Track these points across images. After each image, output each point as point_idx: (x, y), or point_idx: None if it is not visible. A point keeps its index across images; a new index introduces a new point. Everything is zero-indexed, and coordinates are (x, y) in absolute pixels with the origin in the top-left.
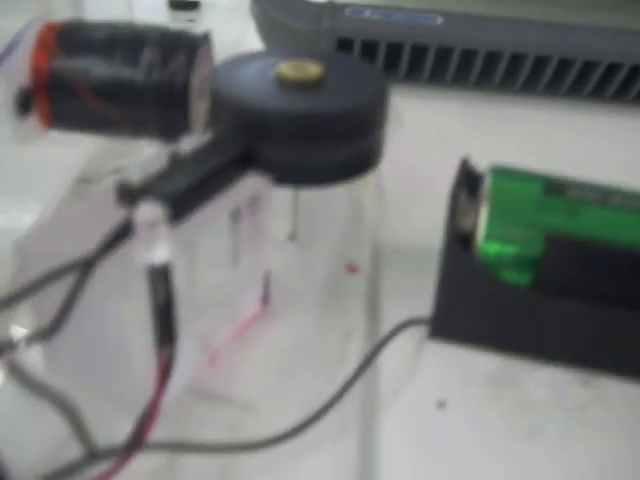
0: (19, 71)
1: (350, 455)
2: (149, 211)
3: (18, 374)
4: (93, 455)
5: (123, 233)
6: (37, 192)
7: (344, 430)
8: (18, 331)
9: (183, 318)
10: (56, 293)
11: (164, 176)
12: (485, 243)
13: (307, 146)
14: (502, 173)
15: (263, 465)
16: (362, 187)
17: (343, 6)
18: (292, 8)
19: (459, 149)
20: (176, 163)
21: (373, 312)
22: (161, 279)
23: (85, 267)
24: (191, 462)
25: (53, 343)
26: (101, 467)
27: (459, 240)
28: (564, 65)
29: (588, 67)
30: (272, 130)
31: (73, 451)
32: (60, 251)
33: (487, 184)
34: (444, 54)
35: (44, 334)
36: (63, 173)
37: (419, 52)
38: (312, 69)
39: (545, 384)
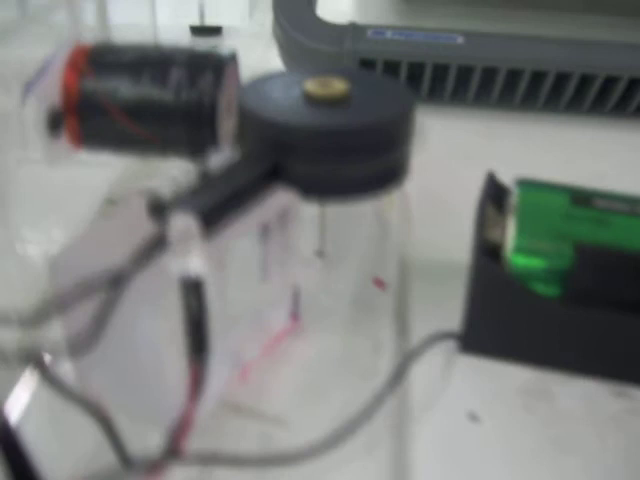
0: (50, 92)
1: (383, 468)
2: (184, 222)
3: (52, 382)
4: (128, 464)
5: (156, 246)
6: (66, 214)
7: (376, 443)
8: (50, 345)
9: (214, 333)
10: (87, 308)
11: (195, 191)
12: (514, 256)
13: (334, 161)
14: (529, 185)
15: (296, 478)
16: (387, 204)
17: (365, 27)
18: (314, 30)
19: (482, 166)
20: (206, 179)
21: (402, 327)
22: (195, 292)
23: (118, 281)
24: (224, 475)
25: (84, 358)
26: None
27: (487, 253)
28: (586, 81)
29: (610, 83)
30: (299, 145)
31: (105, 461)
32: (92, 267)
33: (514, 196)
34: (465, 73)
35: (79, 348)
36: (91, 195)
37: (440, 71)
38: (338, 85)
39: (578, 396)
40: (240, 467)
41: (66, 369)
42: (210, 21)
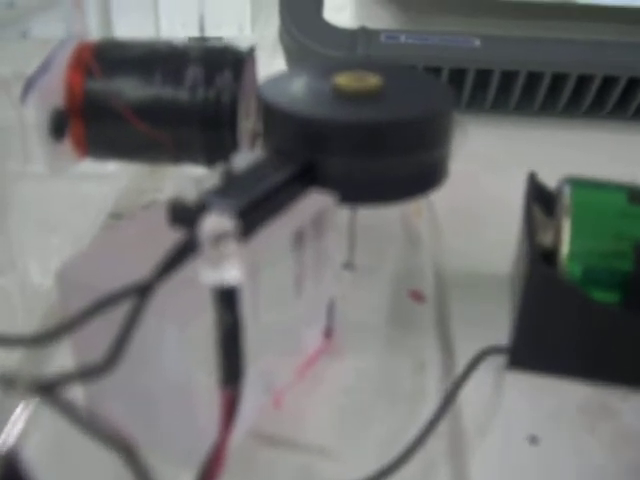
0: (53, 92)
1: None
2: (217, 223)
3: (66, 411)
4: None
5: (183, 254)
6: (68, 229)
7: (432, 473)
8: (62, 368)
9: (247, 354)
10: (102, 326)
11: (223, 191)
12: (570, 261)
13: (370, 158)
14: (580, 184)
15: None
16: (415, 213)
17: (377, 32)
18: (324, 35)
19: (506, 173)
20: (233, 179)
21: (445, 343)
22: (229, 303)
23: (142, 293)
24: None
25: (100, 383)
26: None
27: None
28: (607, 84)
29: (632, 85)
30: (333, 142)
31: None
32: (106, 279)
33: (565, 196)
34: (483, 77)
35: (97, 370)
36: (97, 209)
37: (457, 76)
38: (371, 79)
39: None
40: None
41: (79, 398)
42: (210, 32)
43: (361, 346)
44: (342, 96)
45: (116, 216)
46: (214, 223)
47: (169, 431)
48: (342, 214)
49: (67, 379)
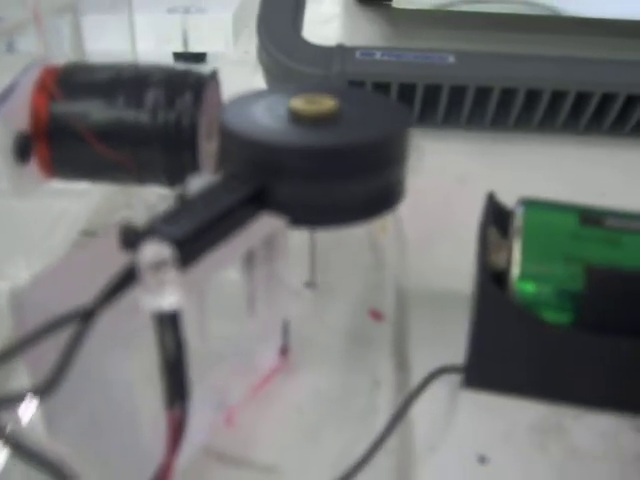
0: (17, 116)
1: None
2: (154, 251)
3: (10, 441)
4: None
5: (127, 280)
6: (40, 247)
7: None
8: (12, 390)
9: (195, 372)
10: (54, 348)
11: (171, 216)
12: (520, 282)
13: (324, 183)
14: (533, 205)
15: None
16: (381, 229)
17: (353, 49)
18: (301, 53)
19: (478, 190)
20: (184, 203)
21: (401, 361)
22: (170, 328)
23: (85, 317)
24: None
25: (51, 403)
26: None
27: (491, 280)
28: (582, 100)
29: (606, 101)
30: (286, 166)
31: None
32: (60, 302)
33: (518, 218)
34: (458, 94)
35: (40, 391)
36: (67, 227)
37: (432, 92)
38: (326, 103)
39: (595, 433)
40: None
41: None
42: (194, 48)
43: (317, 364)
44: (297, 120)
45: (88, 233)
46: (152, 251)
47: (117, 452)
48: (303, 233)
49: (6, 401)
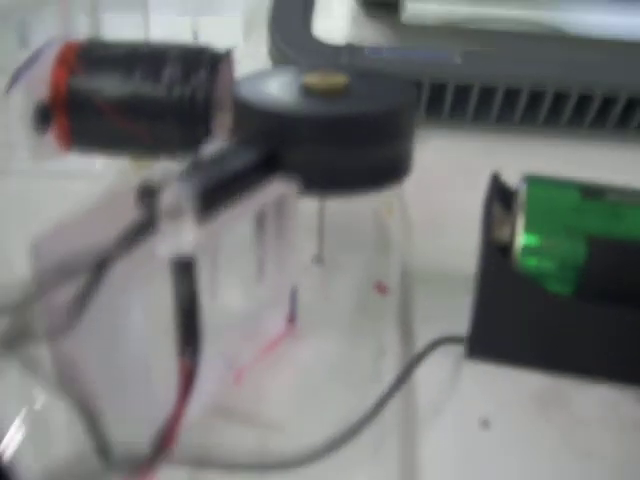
0: (38, 86)
1: (390, 474)
2: (175, 196)
3: (34, 370)
4: (111, 465)
5: (143, 230)
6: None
7: (382, 449)
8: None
9: (205, 328)
10: (69, 292)
11: (186, 175)
12: (523, 254)
13: (334, 150)
14: (536, 181)
15: None
16: (387, 211)
17: (361, 47)
18: (311, 50)
19: (483, 181)
20: (198, 164)
21: (406, 332)
22: (186, 273)
23: (101, 264)
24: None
25: (64, 349)
26: None
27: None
28: (584, 100)
29: (608, 101)
30: (298, 134)
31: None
32: (75, 251)
33: (521, 193)
34: (463, 92)
35: (58, 329)
36: (83, 206)
37: (438, 90)
38: (337, 78)
39: (596, 402)
40: (234, 471)
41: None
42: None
43: (324, 332)
44: (309, 94)
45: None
46: (172, 197)
47: (129, 400)
48: (311, 210)
49: (34, 337)
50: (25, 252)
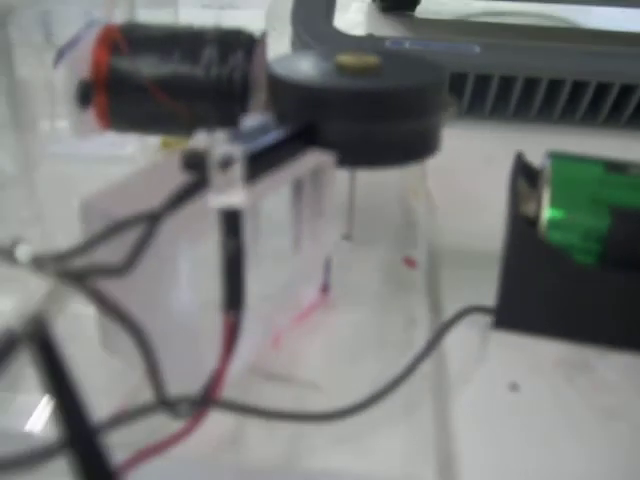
0: (80, 65)
1: (424, 430)
2: (226, 150)
3: (97, 299)
4: (164, 402)
5: (193, 189)
6: None
7: (416, 407)
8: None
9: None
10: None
11: (233, 139)
12: (549, 227)
13: (367, 124)
14: (561, 157)
15: (331, 438)
16: (413, 194)
17: (383, 38)
18: (333, 41)
19: (504, 167)
20: (240, 134)
21: (435, 303)
22: (233, 227)
23: (151, 220)
24: (257, 432)
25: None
26: (172, 425)
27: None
28: (603, 91)
29: (626, 92)
30: (333, 108)
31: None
32: (124, 209)
33: (547, 168)
34: (483, 83)
35: (115, 271)
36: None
37: (458, 81)
38: (370, 58)
39: (620, 368)
40: (274, 420)
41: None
42: None
43: (355, 303)
44: (344, 71)
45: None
46: (224, 150)
47: (177, 354)
48: (340, 190)
49: (95, 271)
50: (65, 229)
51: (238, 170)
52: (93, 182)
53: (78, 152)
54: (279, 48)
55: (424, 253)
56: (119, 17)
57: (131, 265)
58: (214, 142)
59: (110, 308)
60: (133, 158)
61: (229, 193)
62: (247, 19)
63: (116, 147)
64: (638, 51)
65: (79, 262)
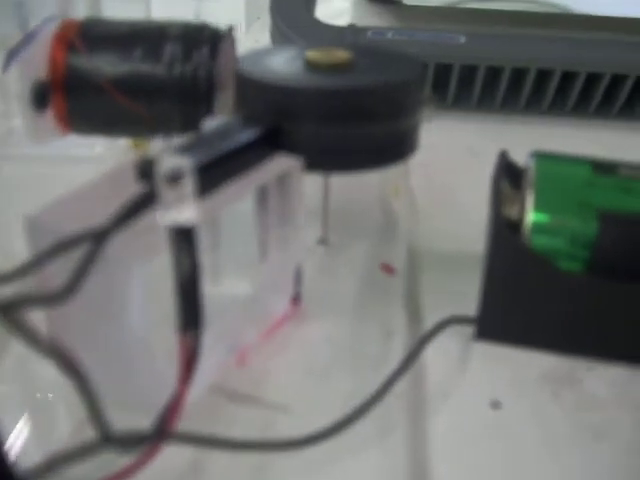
0: (35, 64)
1: (397, 455)
2: (174, 163)
3: (27, 334)
4: (107, 439)
5: (142, 204)
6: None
7: (390, 430)
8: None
9: (207, 314)
10: (65, 271)
11: (187, 147)
12: (533, 232)
13: (337, 124)
14: (545, 157)
15: (300, 466)
16: (392, 194)
17: (364, 29)
18: (313, 32)
19: (489, 163)
20: (198, 139)
21: (414, 313)
22: (186, 245)
23: (98, 238)
24: (220, 462)
25: (62, 326)
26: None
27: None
28: (592, 81)
29: (617, 81)
30: (300, 108)
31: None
32: (70, 226)
33: (530, 169)
34: (469, 74)
35: (53, 299)
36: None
37: (443, 72)
38: (341, 54)
39: (608, 382)
40: (237, 451)
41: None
42: None
43: (329, 314)
44: (312, 69)
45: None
46: (172, 163)
47: (130, 379)
48: (315, 192)
49: (25, 302)
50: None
51: (189, 185)
52: (54, 187)
53: (41, 153)
54: (263, 39)
55: (403, 258)
56: (82, 12)
57: (71, 291)
58: (162, 153)
59: (43, 346)
60: (101, 158)
61: (179, 209)
62: (226, 10)
63: (83, 147)
64: (630, 39)
65: (15, 287)
